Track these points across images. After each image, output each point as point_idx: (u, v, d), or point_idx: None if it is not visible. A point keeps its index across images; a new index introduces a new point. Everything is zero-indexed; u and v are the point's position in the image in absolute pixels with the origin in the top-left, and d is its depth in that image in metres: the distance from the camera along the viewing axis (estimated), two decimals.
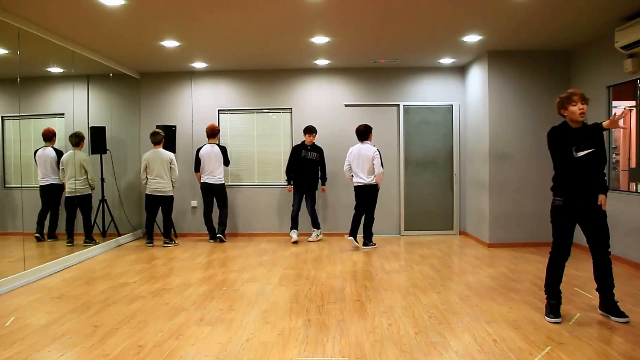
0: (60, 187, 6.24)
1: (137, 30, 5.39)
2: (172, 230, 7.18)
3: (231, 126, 7.84)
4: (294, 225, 7.12)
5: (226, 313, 3.85)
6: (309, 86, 7.73)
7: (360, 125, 6.59)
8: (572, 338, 3.23)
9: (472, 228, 7.37)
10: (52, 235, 6.18)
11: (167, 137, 7.00)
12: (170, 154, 6.85)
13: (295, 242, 7.05)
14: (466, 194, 7.58)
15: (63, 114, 6.37)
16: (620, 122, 3.38)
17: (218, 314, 3.84)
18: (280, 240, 7.29)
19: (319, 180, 7.20)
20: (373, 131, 6.77)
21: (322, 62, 7.20)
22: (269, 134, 7.81)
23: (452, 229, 7.70)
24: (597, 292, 3.71)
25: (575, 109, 3.48)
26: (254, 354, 3.04)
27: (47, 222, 6.10)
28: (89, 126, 6.63)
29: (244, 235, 7.75)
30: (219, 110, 7.81)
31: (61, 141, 6.31)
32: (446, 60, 7.18)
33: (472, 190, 7.33)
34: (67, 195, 6.26)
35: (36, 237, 5.97)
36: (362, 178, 6.47)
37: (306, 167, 7.04)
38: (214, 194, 7.09)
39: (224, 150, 7.10)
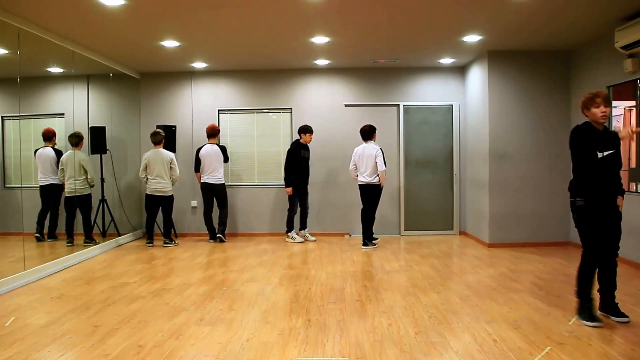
0: (60, 187, 6.24)
1: (137, 30, 5.39)
2: (172, 230, 7.18)
3: (231, 126, 7.84)
4: (294, 226, 7.16)
5: (226, 313, 3.85)
6: (309, 86, 7.73)
7: (364, 126, 6.68)
8: (572, 338, 3.23)
9: (472, 228, 7.37)
10: (52, 235, 6.18)
11: (167, 137, 7.00)
12: (171, 154, 6.85)
13: (301, 242, 7.10)
14: (466, 194, 7.58)
15: (63, 114, 6.37)
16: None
17: (218, 314, 3.84)
18: (281, 240, 7.29)
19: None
20: None
21: (322, 62, 7.20)
22: (269, 134, 7.81)
23: (452, 229, 7.70)
24: (597, 293, 3.70)
25: (598, 111, 3.47)
26: (254, 354, 3.04)
27: (47, 222, 6.10)
28: (89, 126, 6.63)
29: (244, 235, 7.75)
30: (219, 110, 7.81)
31: (61, 141, 6.31)
32: (446, 60, 7.18)
33: (472, 190, 7.33)
34: (66, 195, 6.26)
35: (36, 237, 5.97)
36: (365, 177, 6.54)
37: (304, 167, 7.06)
38: (214, 194, 7.09)
39: (223, 149, 7.10)
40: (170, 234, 6.99)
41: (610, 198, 3.57)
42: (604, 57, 5.74)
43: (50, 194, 6.15)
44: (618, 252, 3.60)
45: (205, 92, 7.81)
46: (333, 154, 7.68)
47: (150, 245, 6.86)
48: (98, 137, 6.72)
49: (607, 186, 3.55)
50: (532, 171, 6.57)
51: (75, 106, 6.32)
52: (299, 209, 7.21)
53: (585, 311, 3.53)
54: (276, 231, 7.69)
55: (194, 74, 7.79)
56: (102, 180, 6.90)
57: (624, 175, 5.81)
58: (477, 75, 7.00)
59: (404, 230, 7.69)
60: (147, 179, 6.77)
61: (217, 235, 7.11)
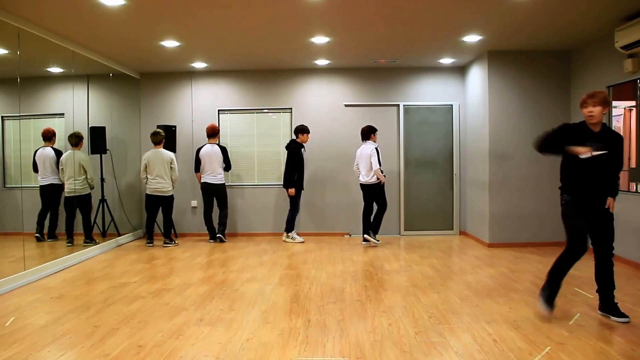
0: (59, 187, 6.24)
1: (137, 30, 5.39)
2: (172, 230, 7.18)
3: (231, 126, 7.84)
4: (294, 226, 7.19)
5: (226, 313, 3.85)
6: (309, 86, 7.73)
7: (364, 126, 6.80)
8: (572, 338, 3.23)
9: (472, 228, 7.37)
10: (52, 235, 6.18)
11: (167, 137, 6.99)
12: (171, 154, 6.85)
13: (302, 242, 7.14)
14: (466, 194, 7.58)
15: (63, 114, 6.37)
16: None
17: (218, 314, 3.84)
18: (281, 240, 7.29)
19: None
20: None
21: (322, 62, 7.20)
22: (269, 134, 7.81)
23: (452, 229, 7.70)
24: (597, 293, 3.71)
25: (585, 111, 3.50)
26: (254, 354, 3.04)
27: (47, 222, 6.10)
28: (89, 126, 6.63)
29: (244, 235, 7.75)
30: (219, 110, 7.81)
31: (61, 141, 6.31)
32: (446, 60, 7.18)
33: (472, 190, 7.33)
34: (66, 195, 6.26)
35: (36, 237, 5.97)
36: (363, 177, 6.70)
37: (303, 166, 7.07)
38: (214, 194, 7.09)
39: (224, 151, 7.09)
40: (170, 234, 6.99)
41: (598, 198, 3.55)
42: (604, 57, 5.74)
43: (50, 194, 6.15)
44: (613, 252, 3.58)
45: (205, 92, 7.81)
46: (333, 154, 7.68)
47: (150, 245, 6.86)
48: (98, 137, 6.71)
49: (594, 186, 3.53)
50: (532, 171, 6.57)
51: (75, 106, 6.32)
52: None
53: (545, 291, 3.61)
54: (276, 231, 7.69)
55: (194, 74, 7.79)
56: (102, 180, 6.90)
57: (623, 175, 5.83)
58: (477, 75, 7.00)
59: (404, 230, 7.69)
60: (147, 179, 6.77)
61: (217, 235, 7.11)
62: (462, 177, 7.65)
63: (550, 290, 3.60)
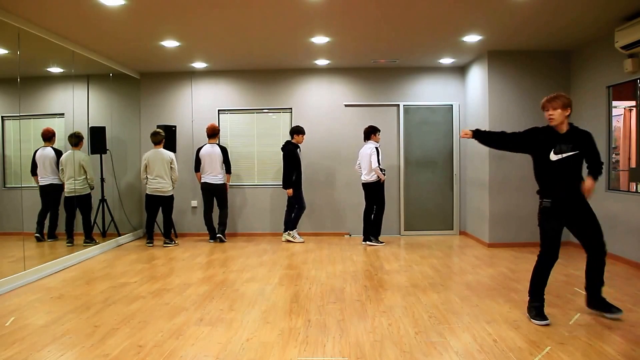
0: (59, 187, 6.24)
1: (137, 30, 5.39)
2: (172, 230, 7.18)
3: (231, 126, 7.84)
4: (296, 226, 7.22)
5: (226, 313, 3.85)
6: (309, 86, 7.73)
7: (367, 126, 6.88)
8: (572, 338, 3.23)
9: (472, 228, 7.37)
10: (52, 235, 6.18)
11: (167, 137, 6.99)
12: (171, 154, 6.85)
13: (302, 242, 7.14)
14: (466, 194, 7.58)
15: (63, 114, 6.37)
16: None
17: (218, 314, 3.84)
18: (281, 240, 7.29)
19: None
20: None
21: (322, 62, 7.20)
22: (269, 134, 7.81)
23: (452, 229, 7.70)
24: (585, 290, 3.71)
25: (545, 115, 3.57)
26: (254, 354, 3.04)
27: (47, 222, 6.10)
28: (89, 126, 6.63)
29: (244, 235, 7.75)
30: (219, 110, 7.81)
31: (61, 141, 6.31)
32: (446, 60, 7.18)
33: (472, 190, 7.33)
34: (66, 195, 6.26)
35: (36, 237, 5.97)
36: (364, 176, 6.78)
37: (300, 166, 7.07)
38: (214, 194, 7.09)
39: (225, 152, 7.08)
40: (170, 234, 6.99)
41: (577, 198, 3.56)
42: (604, 57, 5.73)
43: (50, 194, 6.15)
44: (606, 249, 3.58)
45: (205, 92, 7.81)
46: (333, 154, 7.68)
47: (150, 245, 6.86)
48: (98, 137, 6.71)
49: (570, 187, 3.54)
50: (532, 171, 6.54)
51: (75, 106, 6.32)
52: (289, 209, 7.20)
53: (533, 310, 3.59)
54: (276, 231, 7.68)
55: (194, 74, 7.79)
56: (102, 180, 6.90)
57: (624, 175, 5.83)
58: (477, 75, 7.00)
59: (404, 230, 7.69)
60: (147, 179, 6.77)
61: (217, 235, 7.11)
62: (462, 177, 7.65)
63: (537, 305, 3.59)
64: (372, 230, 6.86)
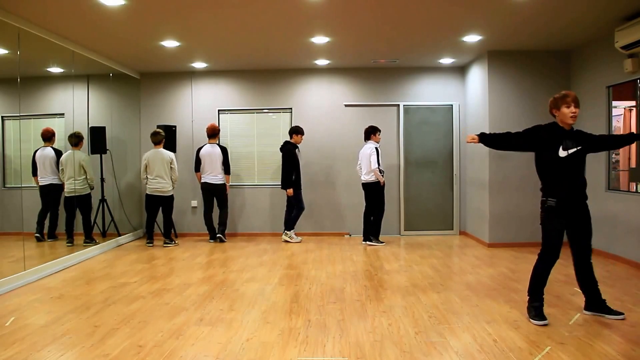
0: (59, 187, 6.24)
1: (137, 30, 5.39)
2: (172, 230, 7.18)
3: (231, 126, 7.84)
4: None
5: (226, 313, 3.85)
6: (309, 86, 7.73)
7: (367, 126, 6.90)
8: (572, 338, 3.23)
9: (472, 228, 7.37)
10: (52, 235, 6.18)
11: (167, 137, 6.99)
12: (171, 154, 6.85)
13: (299, 241, 7.15)
14: (466, 194, 7.58)
15: (63, 114, 6.37)
16: None
17: (218, 314, 3.84)
18: (280, 240, 7.28)
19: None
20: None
21: (322, 62, 7.20)
22: (269, 134, 7.81)
23: (452, 229, 7.70)
24: (583, 294, 3.71)
25: (568, 111, 3.50)
26: (254, 354, 3.04)
27: (47, 222, 6.10)
28: (89, 126, 6.63)
29: (244, 235, 7.75)
30: (219, 110, 7.81)
31: (61, 141, 6.31)
32: (446, 60, 7.18)
33: (472, 190, 7.33)
34: (66, 195, 6.26)
35: (36, 237, 5.97)
36: (364, 176, 6.80)
37: (299, 166, 7.07)
38: (214, 194, 7.09)
39: (225, 152, 7.08)
40: (170, 234, 6.99)
41: (580, 196, 3.57)
42: (604, 57, 5.73)
43: (50, 194, 6.15)
44: (591, 251, 3.61)
45: (205, 92, 7.81)
46: (333, 154, 7.69)
47: (151, 245, 6.86)
48: (98, 137, 6.71)
49: (575, 184, 3.54)
50: (532, 171, 6.45)
51: (75, 106, 6.32)
52: (289, 209, 7.20)
53: (533, 310, 3.59)
54: (276, 231, 7.68)
55: (194, 74, 7.79)
56: (102, 180, 6.90)
57: (624, 175, 5.83)
58: (477, 75, 7.00)
59: (404, 230, 7.69)
60: (147, 179, 6.77)
61: (217, 235, 7.11)
62: (462, 177, 7.65)
63: (536, 305, 3.59)
64: (372, 230, 6.86)
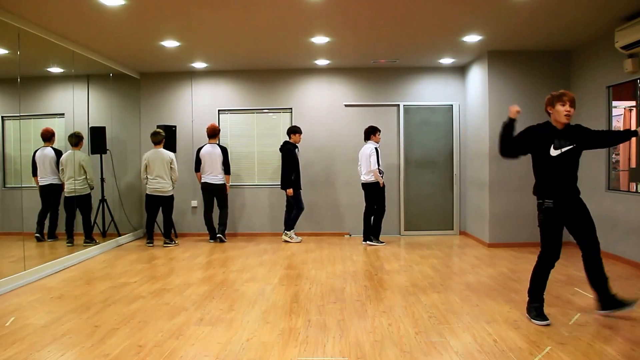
0: (59, 187, 6.24)
1: (137, 30, 5.39)
2: (172, 230, 7.18)
3: (231, 126, 7.84)
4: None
5: (226, 313, 3.85)
6: (309, 86, 7.73)
7: (367, 126, 6.89)
8: (572, 338, 3.23)
9: (472, 228, 7.37)
10: (52, 235, 6.18)
11: (167, 137, 6.99)
12: (171, 154, 6.85)
13: (299, 241, 7.15)
14: (466, 194, 7.58)
15: (63, 114, 6.37)
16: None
17: (218, 314, 3.84)
18: (281, 240, 7.28)
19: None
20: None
21: (322, 62, 7.20)
22: (269, 134, 7.81)
23: (452, 229, 7.70)
24: (593, 291, 3.69)
25: (562, 109, 3.50)
26: (254, 354, 3.04)
27: (47, 222, 6.10)
28: (89, 126, 6.63)
29: (244, 235, 7.75)
30: (219, 110, 7.81)
31: (61, 141, 6.31)
32: (446, 60, 7.18)
33: (472, 190, 7.33)
34: (66, 195, 6.26)
35: (36, 237, 5.97)
36: (363, 176, 6.80)
37: (299, 166, 7.07)
38: (215, 194, 7.09)
39: (225, 152, 7.07)
40: (170, 234, 6.99)
41: (576, 195, 3.57)
42: (604, 57, 5.73)
43: (50, 194, 6.15)
44: (599, 247, 3.58)
45: (205, 92, 7.80)
46: (333, 154, 7.68)
47: (151, 245, 6.86)
48: (98, 137, 6.72)
49: (570, 183, 3.55)
50: (532, 171, 6.55)
51: (75, 106, 6.32)
52: (289, 209, 7.20)
53: (533, 310, 3.58)
54: (276, 231, 7.68)
55: (194, 74, 7.79)
56: (102, 180, 6.90)
57: (624, 175, 5.84)
58: (477, 75, 7.00)
59: (404, 230, 7.69)
60: (147, 179, 6.77)
61: (217, 235, 7.11)
62: (462, 177, 7.65)
63: (537, 305, 3.59)
64: (372, 230, 6.86)
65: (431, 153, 7.69)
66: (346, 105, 7.71)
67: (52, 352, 3.07)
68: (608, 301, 3.61)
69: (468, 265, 5.54)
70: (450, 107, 7.66)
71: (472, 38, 5.87)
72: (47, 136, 6.15)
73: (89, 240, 6.46)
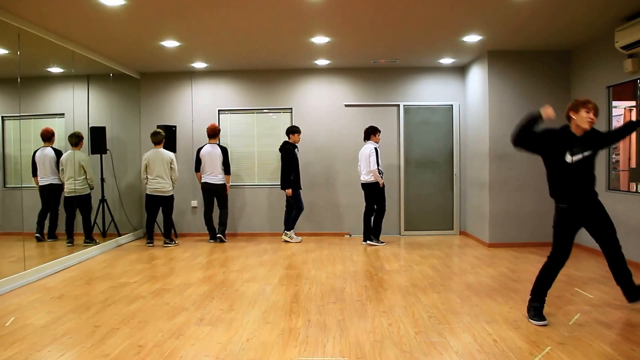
0: (59, 187, 6.24)
1: (137, 30, 5.39)
2: (172, 230, 7.18)
3: (231, 126, 7.84)
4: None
5: (226, 313, 3.85)
6: (309, 86, 7.73)
7: (367, 127, 6.90)
8: (572, 338, 3.23)
9: (472, 228, 7.37)
10: (52, 235, 6.18)
11: (167, 137, 6.99)
12: (171, 154, 6.85)
13: (299, 241, 7.15)
14: (466, 194, 7.58)
15: (63, 114, 6.37)
16: None
17: (218, 314, 3.84)
18: (281, 240, 7.29)
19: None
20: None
21: (322, 62, 7.20)
22: (269, 134, 7.81)
23: (452, 229, 7.70)
24: (619, 287, 3.72)
25: (586, 115, 3.48)
26: (254, 354, 3.04)
27: (47, 222, 6.10)
28: (89, 126, 6.63)
29: (244, 235, 7.75)
30: (219, 110, 7.81)
31: (61, 141, 6.31)
32: (446, 60, 7.19)
33: (472, 190, 7.33)
34: (66, 195, 6.26)
35: (36, 237, 5.97)
36: (363, 176, 6.80)
37: (298, 166, 7.06)
38: (215, 194, 7.09)
39: (225, 152, 7.07)
40: (170, 234, 6.99)
41: (592, 198, 3.57)
42: (604, 57, 5.73)
43: (50, 194, 6.15)
44: (620, 245, 3.60)
45: (205, 92, 7.81)
46: (333, 154, 7.68)
47: (151, 245, 6.86)
48: (98, 137, 6.71)
49: (586, 188, 3.54)
50: (532, 171, 6.56)
51: (75, 106, 6.32)
52: (288, 209, 7.20)
53: (532, 309, 3.59)
54: (276, 231, 7.68)
55: (194, 74, 7.79)
56: (102, 180, 6.90)
57: (624, 175, 5.84)
58: (477, 75, 7.00)
59: (404, 230, 7.69)
60: (148, 179, 6.77)
61: (217, 235, 7.11)
62: (462, 177, 7.65)
63: (537, 305, 3.59)
64: (372, 230, 6.86)
65: (431, 153, 7.69)
66: (346, 105, 7.72)
67: (52, 352, 3.07)
68: (634, 293, 3.66)
69: (468, 265, 5.54)
70: (450, 107, 7.66)
71: (472, 38, 5.87)
72: (47, 136, 6.15)
73: (89, 240, 6.46)
